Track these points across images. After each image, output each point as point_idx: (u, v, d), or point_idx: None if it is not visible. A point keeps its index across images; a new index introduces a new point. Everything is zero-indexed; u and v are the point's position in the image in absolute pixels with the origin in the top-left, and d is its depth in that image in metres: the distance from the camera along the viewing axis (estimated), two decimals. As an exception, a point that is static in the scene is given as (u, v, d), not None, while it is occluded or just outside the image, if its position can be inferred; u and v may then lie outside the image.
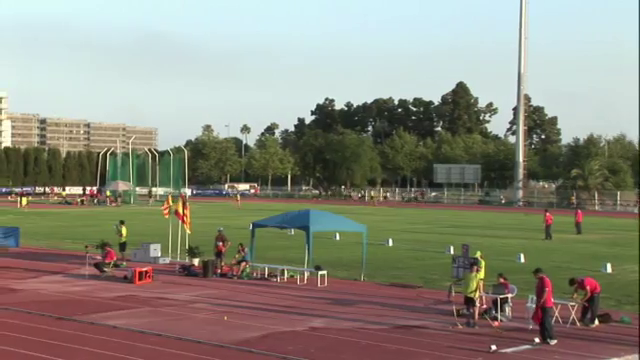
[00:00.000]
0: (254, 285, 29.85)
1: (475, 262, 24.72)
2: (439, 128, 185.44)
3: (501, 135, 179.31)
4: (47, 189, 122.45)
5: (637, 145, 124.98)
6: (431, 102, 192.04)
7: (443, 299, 26.05)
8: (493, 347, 19.08)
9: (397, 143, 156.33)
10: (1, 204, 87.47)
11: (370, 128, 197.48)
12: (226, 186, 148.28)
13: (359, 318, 23.20)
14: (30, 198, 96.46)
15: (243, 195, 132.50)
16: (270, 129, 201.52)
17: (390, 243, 45.83)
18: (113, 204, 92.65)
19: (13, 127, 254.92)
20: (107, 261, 31.89)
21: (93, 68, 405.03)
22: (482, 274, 24.50)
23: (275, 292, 28.19)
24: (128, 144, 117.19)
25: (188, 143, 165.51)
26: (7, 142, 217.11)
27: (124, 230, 37.11)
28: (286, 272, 31.54)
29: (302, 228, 31.83)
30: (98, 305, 24.89)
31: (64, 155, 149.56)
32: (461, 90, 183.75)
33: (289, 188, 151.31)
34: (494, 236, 53.42)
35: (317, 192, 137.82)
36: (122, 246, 36.33)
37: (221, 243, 33.35)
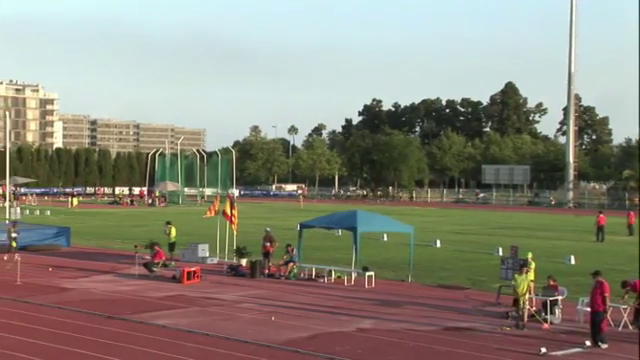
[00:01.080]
0: (301, 286, 29.85)
1: (524, 263, 24.43)
2: (487, 129, 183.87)
3: (551, 136, 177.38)
4: (98, 190, 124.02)
5: None
6: (479, 102, 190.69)
7: (492, 301, 25.80)
8: (543, 350, 18.84)
9: (445, 144, 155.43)
10: (53, 204, 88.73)
11: (418, 129, 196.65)
12: (274, 187, 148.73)
13: (407, 319, 23.07)
14: (81, 198, 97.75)
15: (292, 196, 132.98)
16: (317, 130, 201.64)
17: (438, 244, 45.54)
18: (161, 204, 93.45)
19: (64, 128, 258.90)
20: (156, 261, 32.13)
21: (142, 69, 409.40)
22: (532, 276, 24.21)
23: (322, 293, 28.16)
24: (177, 145, 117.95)
25: (236, 144, 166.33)
26: (59, 143, 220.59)
27: (173, 231, 37.34)
28: (333, 273, 31.50)
29: (349, 229, 31.76)
30: (147, 304, 25.10)
31: (114, 156, 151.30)
32: (510, 90, 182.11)
33: (336, 189, 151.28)
34: (544, 237, 52.82)
35: (364, 193, 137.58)
36: (171, 246, 36.54)
37: (269, 243, 33.41)
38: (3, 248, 37.54)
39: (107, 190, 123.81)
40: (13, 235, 36.76)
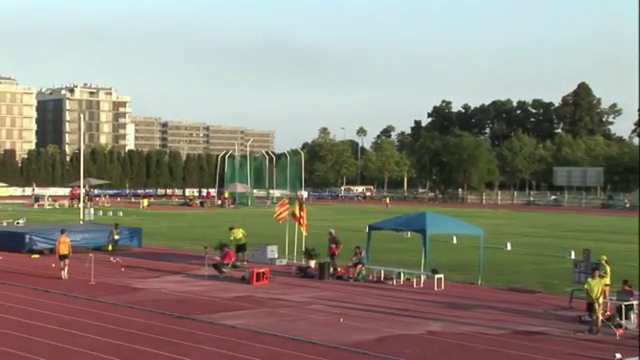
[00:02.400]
0: (370, 288, 29.76)
1: (597, 267, 23.94)
2: (559, 130, 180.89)
3: (625, 137, 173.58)
4: (169, 191, 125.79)
5: None
6: (551, 103, 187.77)
7: (564, 305, 25.35)
8: (618, 355, 18.40)
9: (515, 145, 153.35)
10: (125, 205, 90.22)
11: (488, 130, 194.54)
12: (342, 188, 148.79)
13: (476, 323, 22.81)
14: (152, 200, 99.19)
15: (359, 198, 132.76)
16: (386, 131, 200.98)
17: (508, 247, 44.96)
18: (231, 206, 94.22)
19: (136, 130, 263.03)
20: (226, 262, 32.38)
21: (212, 71, 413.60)
22: (607, 279, 23.71)
23: (391, 295, 28.04)
24: (246, 147, 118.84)
25: (305, 146, 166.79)
26: (131, 145, 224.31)
27: (239, 233, 37.25)
28: (402, 275, 31.35)
29: (418, 231, 31.58)
30: (217, 305, 25.30)
31: (184, 157, 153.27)
32: (583, 91, 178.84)
33: (405, 191, 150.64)
34: (618, 241, 51.69)
35: (433, 195, 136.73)
36: (241, 248, 36.64)
37: (334, 245, 33.38)
38: (79, 249, 38.21)
39: (178, 192, 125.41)
40: (116, 237, 36.59)
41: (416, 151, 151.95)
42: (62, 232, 33.35)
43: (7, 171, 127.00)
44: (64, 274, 31.10)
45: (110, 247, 36.62)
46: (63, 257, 31.42)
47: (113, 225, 38.45)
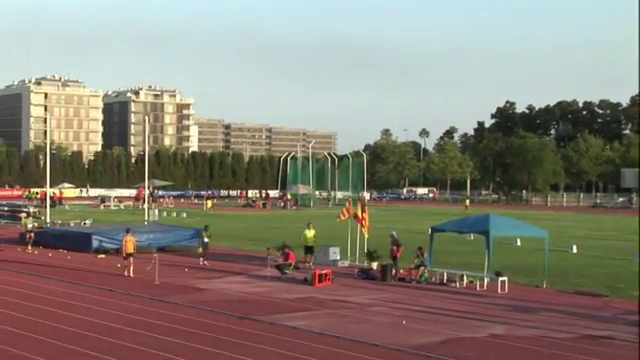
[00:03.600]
0: (433, 290, 29.54)
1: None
2: (627, 131, 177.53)
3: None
4: (236, 192, 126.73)
5: None
6: (619, 104, 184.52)
7: (632, 309, 24.80)
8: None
9: (581, 147, 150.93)
10: (188, 206, 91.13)
11: (553, 131, 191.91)
12: (404, 190, 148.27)
13: (541, 326, 22.45)
14: (215, 201, 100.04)
15: (422, 199, 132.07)
16: (449, 133, 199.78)
17: (574, 249, 44.21)
18: (293, 207, 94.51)
19: (200, 132, 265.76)
20: (288, 263, 32.46)
21: (274, 73, 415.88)
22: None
23: (454, 297, 27.78)
24: (308, 148, 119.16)
25: (367, 147, 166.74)
26: (194, 147, 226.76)
27: (310, 234, 37.24)
28: (465, 277, 31.04)
29: (482, 233, 31.24)
30: (279, 306, 25.36)
31: (247, 159, 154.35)
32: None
33: (468, 192, 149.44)
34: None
35: (497, 196, 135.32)
36: (309, 249, 36.57)
37: (395, 247, 33.24)
38: (143, 250, 38.67)
39: (252, 194, 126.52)
40: (206, 240, 36.38)
41: (479, 152, 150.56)
42: (127, 231, 33.99)
43: (74, 172, 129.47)
44: (129, 272, 31.70)
45: (201, 250, 36.14)
46: (128, 255, 32.13)
47: (203, 227, 37.93)
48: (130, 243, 32.54)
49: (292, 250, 33.59)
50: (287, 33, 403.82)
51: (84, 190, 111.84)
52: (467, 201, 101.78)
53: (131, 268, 31.93)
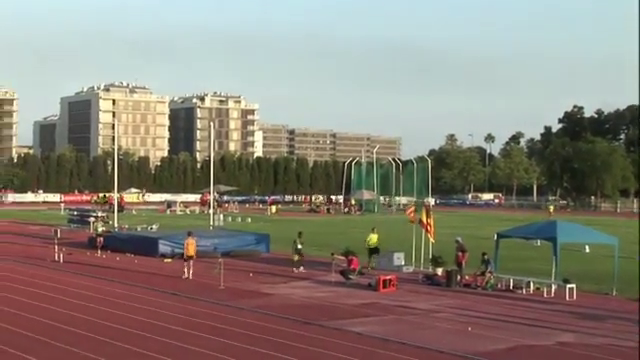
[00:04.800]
0: (498, 297, 29.16)
1: None
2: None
3: None
4: (301, 197, 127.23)
5: None
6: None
7: None
8: None
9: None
10: (253, 211, 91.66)
11: (622, 136, 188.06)
12: (470, 196, 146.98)
13: (610, 334, 21.98)
14: (279, 206, 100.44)
15: (488, 205, 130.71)
16: (515, 138, 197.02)
17: (645, 257, 43.15)
18: (357, 212, 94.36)
19: (264, 137, 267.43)
20: (352, 268, 32.38)
21: (338, 78, 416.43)
22: None
23: (520, 304, 27.39)
24: (372, 153, 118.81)
25: (431, 152, 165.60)
26: (259, 152, 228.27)
27: (374, 238, 37.09)
28: (532, 284, 30.58)
29: (549, 239, 30.76)
30: (343, 311, 25.31)
31: (311, 164, 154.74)
32: None
33: (535, 198, 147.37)
34: None
35: (564, 202, 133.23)
36: (374, 250, 36.41)
37: (461, 253, 32.92)
38: (208, 254, 38.99)
39: (306, 198, 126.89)
40: (299, 246, 35.68)
41: (546, 158, 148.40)
42: (189, 234, 34.45)
43: (141, 178, 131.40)
44: (189, 275, 32.10)
45: (296, 257, 35.69)
46: (189, 258, 32.57)
47: (297, 233, 37.60)
48: (191, 246, 33.07)
49: (356, 256, 33.49)
50: (351, 38, 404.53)
51: (140, 194, 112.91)
52: (551, 207, 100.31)
53: (190, 271, 32.37)
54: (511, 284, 31.04)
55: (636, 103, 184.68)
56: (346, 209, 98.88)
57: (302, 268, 34.99)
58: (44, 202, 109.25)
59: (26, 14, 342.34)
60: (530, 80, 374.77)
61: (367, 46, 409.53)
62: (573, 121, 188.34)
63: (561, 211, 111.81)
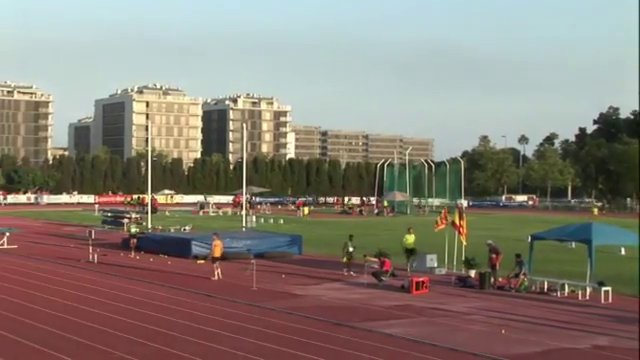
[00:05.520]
0: (532, 299, 28.95)
1: None
2: None
3: None
4: (333, 199, 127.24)
5: None
6: None
7: None
8: None
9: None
10: (285, 213, 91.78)
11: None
12: (503, 197, 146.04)
13: (647, 338, 21.70)
14: (312, 207, 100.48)
15: (522, 207, 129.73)
16: (549, 139, 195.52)
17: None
18: (390, 214, 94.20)
19: (297, 139, 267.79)
20: (384, 270, 32.30)
21: (371, 80, 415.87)
22: None
23: (554, 307, 27.16)
24: (405, 155, 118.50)
25: (464, 154, 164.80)
26: (291, 153, 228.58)
27: (411, 238, 36.90)
28: (566, 286, 30.30)
29: (584, 241, 30.49)
30: (375, 313, 25.25)
31: (343, 166, 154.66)
32: None
33: (569, 200, 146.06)
34: None
35: (600, 204, 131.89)
36: (411, 251, 36.28)
37: (494, 255, 32.72)
38: (241, 256, 39.11)
39: (338, 199, 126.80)
40: (350, 249, 35.43)
41: (581, 159, 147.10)
42: (215, 235, 34.64)
43: (174, 179, 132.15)
44: (217, 276, 32.25)
45: (345, 259, 35.59)
46: (216, 259, 32.76)
47: (348, 236, 37.35)
48: (218, 247, 33.26)
49: (389, 257, 33.39)
50: (384, 39, 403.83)
51: (170, 196, 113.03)
52: (595, 210, 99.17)
53: (218, 271, 32.53)
54: (545, 286, 30.79)
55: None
56: (376, 210, 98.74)
57: (352, 272, 34.56)
58: (79, 203, 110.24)
59: (61, 17, 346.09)
60: (564, 81, 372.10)
61: (400, 47, 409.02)
62: (608, 122, 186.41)
63: (605, 214, 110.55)
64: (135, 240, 42.84)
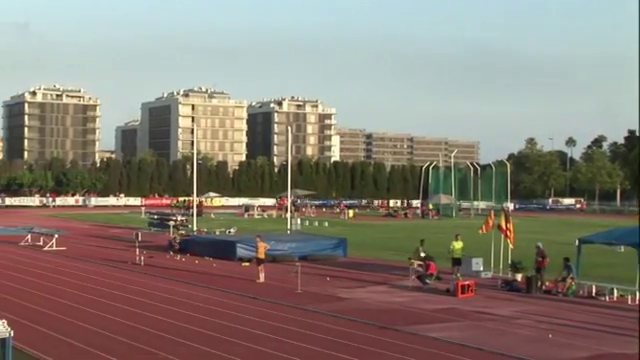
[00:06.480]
0: (580, 303, 28.53)
1: None
2: None
3: None
4: (377, 202, 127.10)
5: None
6: None
7: None
8: None
9: None
10: (330, 215, 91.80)
11: None
12: (550, 200, 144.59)
13: (699, 344, 21.24)
14: (356, 210, 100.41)
15: (569, 210, 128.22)
16: (597, 142, 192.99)
17: None
18: (435, 217, 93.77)
19: (341, 142, 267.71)
20: (429, 273, 32.08)
21: (416, 82, 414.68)
22: None
23: (603, 312, 26.74)
24: (450, 158, 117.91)
25: (510, 157, 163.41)
26: (336, 156, 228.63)
27: (458, 245, 36.40)
28: (615, 291, 29.82)
29: (633, 245, 29.94)
30: (420, 316, 25.10)
31: (388, 169, 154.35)
32: None
33: (618, 203, 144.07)
34: None
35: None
36: (456, 261, 35.81)
37: (541, 259, 32.32)
38: (286, 258, 39.18)
39: (383, 202, 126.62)
40: (422, 254, 34.04)
41: (630, 162, 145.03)
42: (259, 237, 34.76)
43: (220, 182, 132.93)
44: (261, 278, 32.31)
45: (415, 264, 34.56)
46: (261, 261, 32.85)
47: (419, 241, 36.73)
48: (261, 249, 33.39)
49: (434, 260, 33.12)
50: (429, 41, 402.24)
51: (210, 199, 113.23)
52: None
53: (262, 274, 32.57)
54: (593, 291, 30.33)
55: None
56: (419, 212, 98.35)
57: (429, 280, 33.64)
58: (125, 206, 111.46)
59: (108, 21, 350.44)
60: (613, 82, 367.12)
61: (445, 50, 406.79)
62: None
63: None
64: (177, 242, 43.26)
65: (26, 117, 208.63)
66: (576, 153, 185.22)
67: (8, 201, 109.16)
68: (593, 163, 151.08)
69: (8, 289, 29.72)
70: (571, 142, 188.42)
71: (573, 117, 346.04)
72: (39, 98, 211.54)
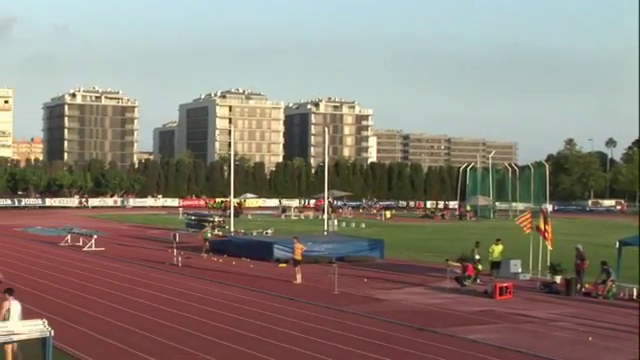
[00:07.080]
0: (621, 306, 28.18)
1: None
2: None
3: None
4: (413, 203, 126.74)
5: None
6: None
7: None
8: None
9: None
10: (367, 217, 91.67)
11: None
12: (589, 202, 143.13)
13: None
14: (394, 211, 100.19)
15: (609, 212, 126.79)
16: (638, 142, 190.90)
17: None
18: (472, 218, 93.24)
19: (378, 143, 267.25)
20: (467, 275, 31.87)
21: (453, 83, 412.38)
22: None
23: (644, 315, 26.36)
24: (488, 159, 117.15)
25: (549, 158, 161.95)
26: (373, 157, 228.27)
27: (497, 249, 36.02)
28: (656, 294, 29.41)
29: (676, 247, 29.53)
30: (457, 318, 24.94)
31: (425, 170, 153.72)
32: None
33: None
34: None
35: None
36: (495, 265, 35.46)
37: (580, 261, 31.94)
38: (322, 259, 39.16)
39: (420, 203, 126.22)
40: (477, 257, 33.81)
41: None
42: (295, 239, 34.83)
43: (257, 183, 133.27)
44: (298, 279, 32.33)
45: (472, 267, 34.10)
46: (297, 262, 32.89)
47: (474, 243, 35.36)
48: (298, 250, 33.44)
49: (471, 262, 32.89)
50: (467, 42, 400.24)
51: (243, 199, 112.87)
52: None
53: (298, 275, 32.60)
54: (635, 293, 29.94)
55: None
56: (458, 213, 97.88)
57: (478, 280, 32.93)
58: (163, 206, 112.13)
59: (146, 23, 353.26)
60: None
61: (482, 51, 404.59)
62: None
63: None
64: (208, 243, 43.39)
65: (66, 119, 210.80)
66: (616, 154, 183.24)
67: (48, 202, 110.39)
68: (634, 164, 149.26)
69: (48, 289, 30.04)
70: (611, 143, 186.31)
71: (613, 118, 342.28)
72: (79, 100, 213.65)
